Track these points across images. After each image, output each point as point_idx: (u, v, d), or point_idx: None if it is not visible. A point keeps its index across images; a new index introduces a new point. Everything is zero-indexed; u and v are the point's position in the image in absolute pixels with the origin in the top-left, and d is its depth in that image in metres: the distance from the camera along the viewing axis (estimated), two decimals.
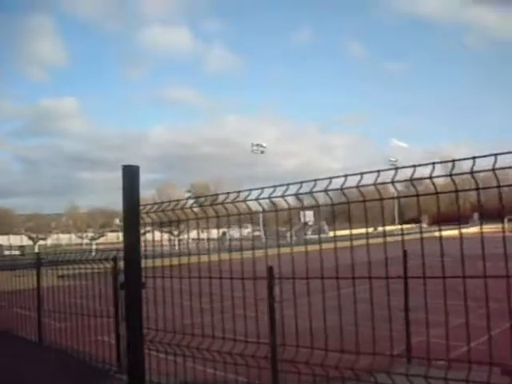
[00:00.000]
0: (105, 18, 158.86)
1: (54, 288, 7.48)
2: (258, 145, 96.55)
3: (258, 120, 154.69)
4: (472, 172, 2.81)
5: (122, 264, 6.75)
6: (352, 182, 3.20)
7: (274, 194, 3.59)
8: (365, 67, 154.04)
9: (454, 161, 2.88)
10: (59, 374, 5.92)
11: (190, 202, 4.95)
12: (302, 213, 49.91)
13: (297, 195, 3.49)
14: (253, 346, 4.46)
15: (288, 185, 3.45)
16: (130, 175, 3.92)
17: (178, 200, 4.78)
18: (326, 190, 3.32)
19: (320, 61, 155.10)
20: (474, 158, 2.83)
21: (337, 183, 3.27)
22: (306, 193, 3.43)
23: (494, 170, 2.81)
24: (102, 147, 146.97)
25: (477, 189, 2.98)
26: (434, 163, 2.87)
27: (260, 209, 4.05)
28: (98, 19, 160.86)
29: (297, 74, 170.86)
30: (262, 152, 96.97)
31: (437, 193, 3.06)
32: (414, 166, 3.07)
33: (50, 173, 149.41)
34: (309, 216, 49.52)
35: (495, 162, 2.81)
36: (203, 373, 5.20)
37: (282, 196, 3.51)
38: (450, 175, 2.90)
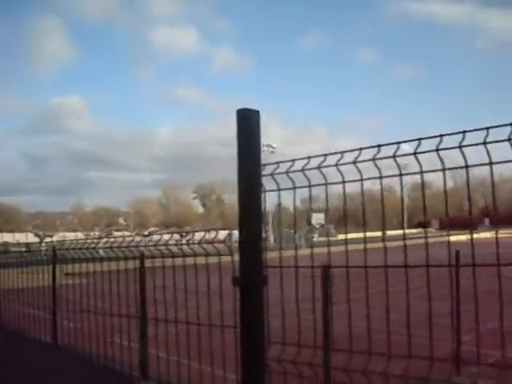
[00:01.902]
0: (113, 18, 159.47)
1: (63, 286, 7.14)
2: (268, 145, 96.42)
3: (266, 121, 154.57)
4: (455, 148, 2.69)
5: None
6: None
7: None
8: (373, 72, 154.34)
9: (441, 135, 2.79)
10: (80, 378, 5.50)
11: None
12: (312, 215, 49.59)
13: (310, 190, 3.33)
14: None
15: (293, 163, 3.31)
16: (247, 123, 2.94)
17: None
18: (319, 167, 3.25)
19: (328, 64, 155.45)
20: (440, 135, 2.77)
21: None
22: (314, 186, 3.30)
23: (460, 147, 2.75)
24: (108, 146, 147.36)
25: (466, 166, 2.79)
26: (419, 139, 2.86)
27: None
28: (106, 18, 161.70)
29: (304, 76, 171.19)
30: (272, 152, 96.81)
31: (443, 169, 2.85)
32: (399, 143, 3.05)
33: (57, 171, 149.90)
34: (319, 219, 49.25)
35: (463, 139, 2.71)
36: None
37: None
38: (437, 150, 2.79)
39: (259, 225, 2.82)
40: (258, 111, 2.92)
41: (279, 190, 3.17)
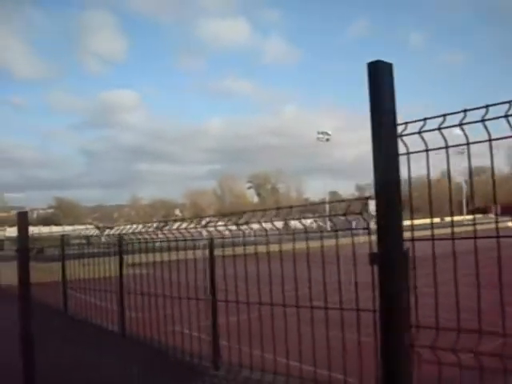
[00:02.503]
0: (163, 11, 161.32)
1: (126, 277, 7.11)
2: (323, 132, 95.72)
3: (317, 110, 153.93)
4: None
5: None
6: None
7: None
8: (423, 58, 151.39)
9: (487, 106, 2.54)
10: (152, 369, 5.35)
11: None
12: (369, 202, 48.89)
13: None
14: None
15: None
16: (379, 77, 2.55)
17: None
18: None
19: (378, 52, 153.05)
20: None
21: None
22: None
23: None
24: (161, 139, 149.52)
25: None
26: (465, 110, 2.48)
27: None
28: (156, 11, 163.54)
29: (354, 64, 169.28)
30: (328, 140, 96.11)
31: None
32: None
33: (112, 165, 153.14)
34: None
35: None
36: None
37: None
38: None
39: (398, 192, 2.53)
40: (391, 64, 2.59)
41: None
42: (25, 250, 6.18)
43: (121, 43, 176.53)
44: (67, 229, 74.51)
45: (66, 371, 5.08)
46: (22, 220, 6.06)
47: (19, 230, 6.00)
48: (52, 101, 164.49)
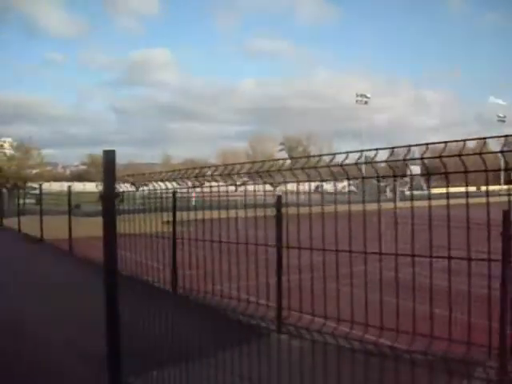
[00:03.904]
0: None
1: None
2: (362, 95, 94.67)
3: (350, 73, 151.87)
4: None
5: None
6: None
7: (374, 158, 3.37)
8: (463, 20, 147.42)
9: None
10: (213, 331, 5.05)
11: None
12: (410, 168, 48.28)
13: (387, 162, 3.31)
14: None
15: (377, 149, 3.30)
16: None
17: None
18: (421, 158, 3.14)
19: (414, 14, 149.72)
20: None
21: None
22: (397, 160, 3.32)
23: None
24: (193, 98, 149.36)
25: None
26: None
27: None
28: None
29: (390, 27, 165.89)
30: (366, 103, 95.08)
31: None
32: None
33: (144, 123, 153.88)
34: (415, 171, 48.18)
35: None
36: None
37: (371, 162, 3.34)
38: None
39: None
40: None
41: None
42: (111, 197, 4.95)
43: (155, 0, 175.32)
44: (100, 185, 75.26)
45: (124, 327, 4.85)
46: (109, 160, 4.83)
47: (105, 172, 4.84)
48: (86, 58, 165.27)
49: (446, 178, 3.06)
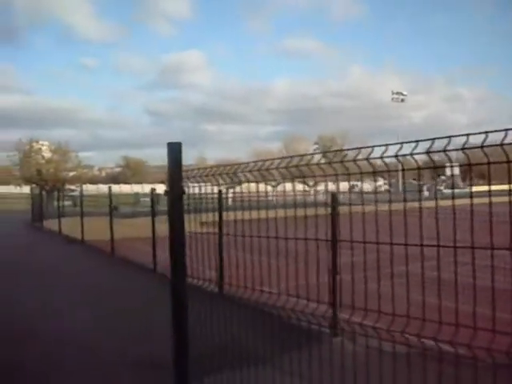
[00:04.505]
0: None
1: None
2: (398, 93, 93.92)
3: (383, 71, 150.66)
4: None
5: None
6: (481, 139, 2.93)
7: (401, 151, 3.26)
8: (497, 15, 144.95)
9: None
10: (264, 333, 4.75)
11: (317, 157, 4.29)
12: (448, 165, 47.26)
13: (427, 153, 3.20)
14: None
15: (417, 141, 3.19)
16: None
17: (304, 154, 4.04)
18: (463, 149, 3.03)
19: (448, 11, 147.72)
20: None
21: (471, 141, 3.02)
22: (438, 151, 3.10)
23: None
24: (226, 99, 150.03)
25: None
26: None
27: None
28: None
29: (423, 24, 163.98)
30: (403, 100, 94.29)
31: None
32: None
33: (178, 125, 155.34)
34: (453, 170, 47.34)
35: None
36: None
37: (411, 154, 3.22)
38: None
39: None
40: None
41: None
42: (178, 194, 4.33)
43: (186, 3, 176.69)
44: (136, 187, 76.24)
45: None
46: (175, 153, 4.36)
47: (170, 167, 4.34)
48: (120, 62, 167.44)
49: (488, 167, 2.98)
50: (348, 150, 3.73)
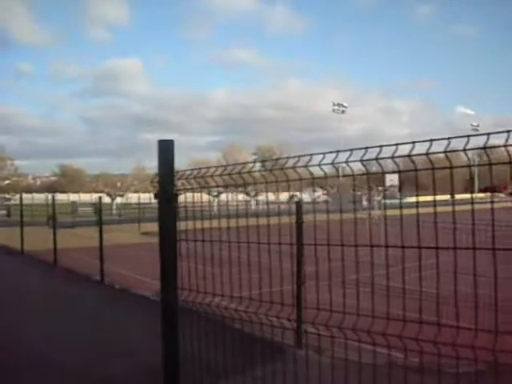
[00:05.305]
0: None
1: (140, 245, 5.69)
2: (338, 104, 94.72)
3: (321, 84, 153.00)
4: None
5: None
6: (420, 149, 3.08)
7: (337, 160, 3.33)
8: (431, 31, 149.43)
9: None
10: (227, 346, 4.47)
11: (257, 165, 4.24)
12: (387, 176, 48.02)
13: (361, 161, 3.23)
14: None
15: (352, 150, 3.26)
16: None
17: (244, 163, 4.00)
18: (392, 157, 3.10)
19: (384, 24, 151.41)
20: None
21: (403, 150, 3.14)
22: (371, 159, 3.19)
23: None
24: (164, 108, 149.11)
25: None
26: (509, 131, 2.72)
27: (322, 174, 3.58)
28: None
29: (360, 37, 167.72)
30: (343, 112, 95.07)
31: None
32: (488, 134, 2.86)
33: (115, 133, 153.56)
34: (393, 180, 48.15)
35: None
36: None
37: (346, 162, 3.27)
38: None
39: None
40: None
41: None
42: (170, 196, 3.90)
43: (125, 10, 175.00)
44: (72, 196, 74.88)
45: None
46: (167, 152, 3.91)
47: (161, 167, 3.88)
48: (55, 68, 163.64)
49: (433, 174, 3.11)
50: (287, 158, 3.73)
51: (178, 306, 3.84)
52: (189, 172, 4.11)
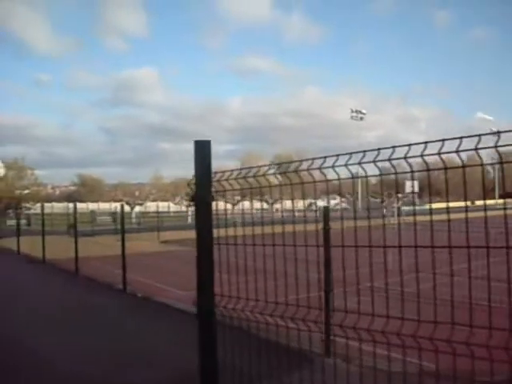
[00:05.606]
0: None
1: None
2: (357, 111, 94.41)
3: (338, 91, 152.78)
4: None
5: None
6: (432, 150, 3.02)
7: (350, 162, 3.31)
8: (447, 37, 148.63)
9: None
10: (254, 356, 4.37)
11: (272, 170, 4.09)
12: (406, 183, 47.65)
13: (374, 162, 3.20)
14: None
15: (364, 151, 3.23)
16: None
17: (260, 166, 3.95)
18: (405, 157, 3.08)
19: (400, 31, 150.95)
20: None
21: (416, 151, 3.00)
22: (383, 160, 3.15)
23: None
24: (181, 118, 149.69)
25: None
26: None
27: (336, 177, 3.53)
28: None
29: (376, 44, 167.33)
30: (362, 119, 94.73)
31: None
32: (499, 133, 2.88)
33: (132, 143, 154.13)
34: (408, 186, 48.02)
35: None
36: None
37: (359, 163, 3.25)
38: None
39: None
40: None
41: None
42: (207, 199, 3.70)
43: (142, 20, 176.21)
44: (91, 205, 75.29)
45: None
46: (204, 153, 3.71)
47: (198, 168, 3.66)
48: (74, 78, 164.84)
49: (445, 173, 3.10)
50: (300, 160, 3.74)
51: (215, 320, 3.66)
52: (229, 173, 3.98)
